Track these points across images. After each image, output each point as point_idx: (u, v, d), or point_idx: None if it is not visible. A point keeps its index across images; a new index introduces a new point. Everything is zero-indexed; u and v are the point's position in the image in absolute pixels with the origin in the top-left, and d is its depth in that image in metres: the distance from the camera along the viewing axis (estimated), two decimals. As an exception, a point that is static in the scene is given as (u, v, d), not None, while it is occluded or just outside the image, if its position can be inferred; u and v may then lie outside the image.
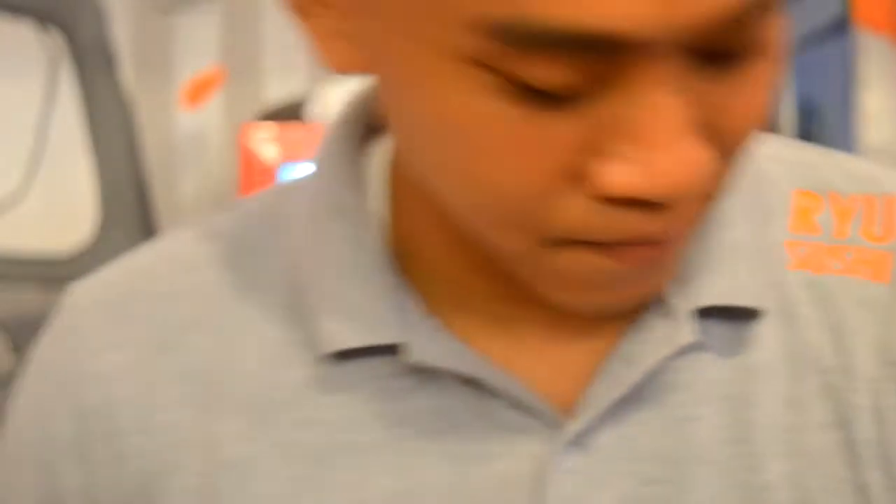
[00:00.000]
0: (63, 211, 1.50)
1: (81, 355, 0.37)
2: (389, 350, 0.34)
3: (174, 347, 0.37)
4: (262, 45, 1.60)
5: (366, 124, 0.39)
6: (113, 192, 1.44)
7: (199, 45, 1.58)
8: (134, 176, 1.47)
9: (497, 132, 0.27)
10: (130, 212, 1.46)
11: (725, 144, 0.27)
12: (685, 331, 0.34)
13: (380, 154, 0.38)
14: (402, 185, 0.36)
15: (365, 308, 0.35)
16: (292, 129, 1.33)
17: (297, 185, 0.39)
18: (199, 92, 1.61)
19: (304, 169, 1.00)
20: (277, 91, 1.56)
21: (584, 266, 0.30)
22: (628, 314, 0.35)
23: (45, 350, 0.39)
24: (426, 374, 0.34)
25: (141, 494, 0.36)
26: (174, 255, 0.39)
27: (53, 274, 1.41)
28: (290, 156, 1.28)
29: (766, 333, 0.35)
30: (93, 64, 1.44)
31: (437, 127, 0.28)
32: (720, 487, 0.34)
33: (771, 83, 0.28)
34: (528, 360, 0.36)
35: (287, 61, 1.55)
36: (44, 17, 1.41)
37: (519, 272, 0.32)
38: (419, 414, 0.35)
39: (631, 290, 0.32)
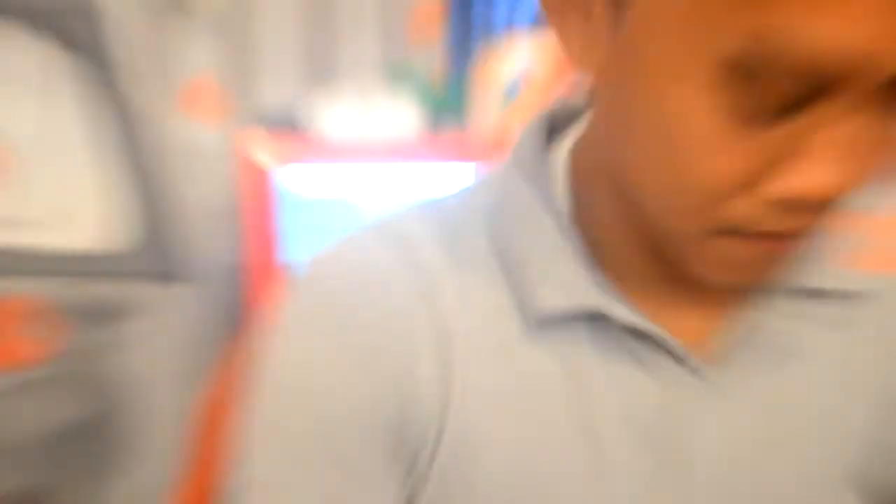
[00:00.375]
0: (87, 213, 1.50)
1: (358, 307, 0.42)
2: (586, 315, 0.41)
3: (423, 304, 0.42)
4: (258, 53, 1.55)
5: (546, 137, 0.45)
6: (134, 197, 1.48)
7: (196, 54, 1.50)
8: (147, 181, 1.50)
9: (713, 140, 0.31)
10: (149, 216, 1.50)
11: (859, 171, 0.31)
12: (797, 305, 0.42)
13: (559, 159, 0.45)
14: (588, 186, 0.43)
15: (573, 282, 0.41)
16: (285, 135, 1.34)
17: (487, 185, 0.46)
18: (196, 99, 1.55)
19: (295, 171, 1.05)
20: (272, 100, 1.54)
21: (730, 251, 0.35)
22: (750, 291, 0.42)
23: (326, 305, 0.43)
24: (607, 330, 0.41)
25: (403, 410, 0.42)
26: (399, 237, 0.44)
27: (93, 268, 1.49)
28: (284, 160, 1.29)
29: (860, 314, 0.43)
30: (103, 79, 1.45)
31: (661, 129, 0.32)
32: (810, 419, 0.42)
33: None
34: (675, 321, 0.43)
35: (281, 70, 1.54)
36: (56, 34, 1.42)
37: (677, 254, 0.38)
38: (599, 355, 0.42)
39: (756, 274, 0.37)
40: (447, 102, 1.46)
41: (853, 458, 0.45)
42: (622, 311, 0.41)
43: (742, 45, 0.28)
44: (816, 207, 0.32)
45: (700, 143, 0.32)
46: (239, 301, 1.54)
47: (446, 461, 0.43)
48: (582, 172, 0.44)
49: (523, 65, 1.33)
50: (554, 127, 0.46)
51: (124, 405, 1.54)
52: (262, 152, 1.29)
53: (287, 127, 1.39)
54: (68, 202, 1.43)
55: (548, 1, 0.36)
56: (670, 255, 0.39)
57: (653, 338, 0.42)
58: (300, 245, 1.32)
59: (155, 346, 1.52)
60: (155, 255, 1.52)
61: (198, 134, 1.51)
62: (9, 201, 1.37)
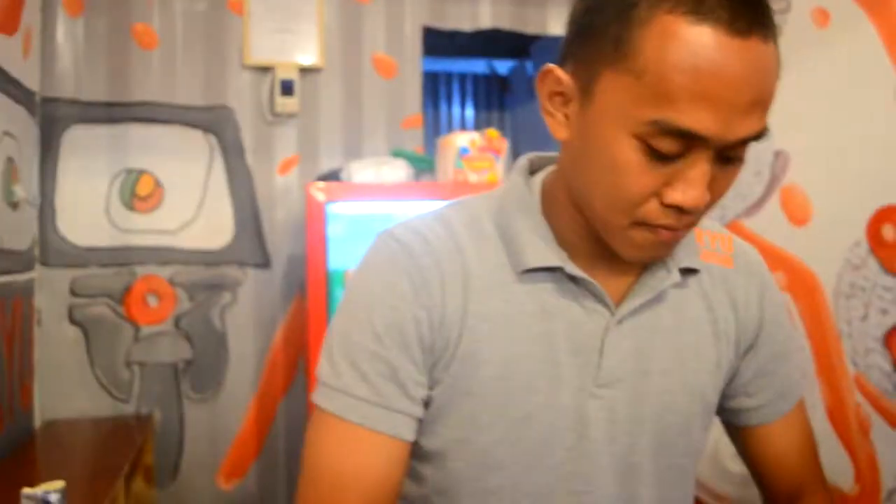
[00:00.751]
0: (216, 228, 1.83)
1: (414, 257, 0.49)
2: (551, 269, 0.49)
3: (452, 260, 0.49)
4: (318, 141, 1.88)
5: (528, 170, 0.55)
6: (241, 218, 1.83)
7: (287, 142, 1.86)
8: (252, 210, 1.84)
9: (635, 169, 0.41)
10: (250, 228, 1.82)
11: (711, 196, 0.42)
12: (674, 275, 0.51)
13: (536, 183, 0.53)
14: (553, 197, 0.50)
15: (545, 251, 0.49)
16: (332, 185, 1.53)
17: (493, 195, 0.53)
18: (286, 166, 1.85)
19: (341, 206, 1.45)
20: (326, 165, 1.87)
21: (643, 237, 0.44)
22: (648, 265, 0.50)
23: (392, 254, 0.49)
24: (564, 279, 0.49)
25: (433, 329, 0.48)
26: (440, 220, 0.51)
27: (210, 260, 1.82)
28: (331, 198, 1.50)
29: (693, 282, 0.54)
30: (231, 152, 1.81)
31: (605, 164, 0.41)
32: (665, 338, 0.51)
33: (736, 176, 0.43)
34: (602, 278, 0.51)
35: (331, 150, 1.88)
36: (206, 128, 1.80)
37: (608, 238, 0.46)
38: (558, 297, 0.49)
39: (659, 253, 0.46)
40: (424, 164, 1.73)
41: (693, 367, 0.52)
42: (572, 268, 0.48)
43: (650, 123, 0.39)
44: (688, 212, 0.42)
45: (627, 171, 0.41)
46: (299, 281, 1.82)
47: (456, 370, 0.47)
48: (551, 191, 0.51)
49: (463, 143, 1.61)
50: (532, 167, 0.56)
51: (218, 349, 1.80)
52: (319, 193, 1.49)
53: (334, 179, 1.64)
54: (193, 219, 1.78)
55: (544, 93, 0.45)
56: (603, 239, 0.46)
57: (588, 286, 0.48)
58: (337, 244, 1.53)
59: (242, 310, 1.81)
60: (247, 250, 1.82)
61: (284, 183, 1.87)
62: (159, 219, 1.75)
